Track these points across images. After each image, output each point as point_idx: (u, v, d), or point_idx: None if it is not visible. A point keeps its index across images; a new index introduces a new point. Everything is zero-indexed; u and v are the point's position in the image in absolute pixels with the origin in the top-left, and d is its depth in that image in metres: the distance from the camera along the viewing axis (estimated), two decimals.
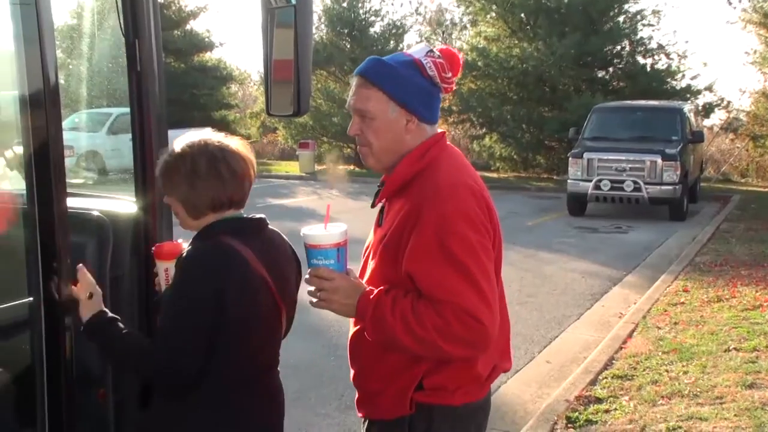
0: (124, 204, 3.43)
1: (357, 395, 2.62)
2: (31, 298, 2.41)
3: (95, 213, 3.14)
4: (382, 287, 2.38)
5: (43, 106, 2.28)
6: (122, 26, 2.96)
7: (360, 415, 2.62)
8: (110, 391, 3.11)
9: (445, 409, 2.46)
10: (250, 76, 38.43)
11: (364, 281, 2.47)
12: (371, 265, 2.49)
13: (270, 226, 2.68)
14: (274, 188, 21.82)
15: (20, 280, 2.42)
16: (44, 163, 2.31)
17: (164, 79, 3.14)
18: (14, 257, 2.45)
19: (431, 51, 2.44)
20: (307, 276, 2.41)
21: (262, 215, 2.66)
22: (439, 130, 2.55)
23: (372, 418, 2.58)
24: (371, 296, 2.36)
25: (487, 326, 2.26)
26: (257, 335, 2.55)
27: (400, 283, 2.36)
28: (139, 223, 3.15)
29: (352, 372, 2.63)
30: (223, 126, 29.92)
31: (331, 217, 2.41)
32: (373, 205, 2.61)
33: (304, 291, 2.49)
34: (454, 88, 2.51)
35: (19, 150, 3.01)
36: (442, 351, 2.31)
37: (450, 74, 2.43)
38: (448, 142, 2.56)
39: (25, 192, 2.39)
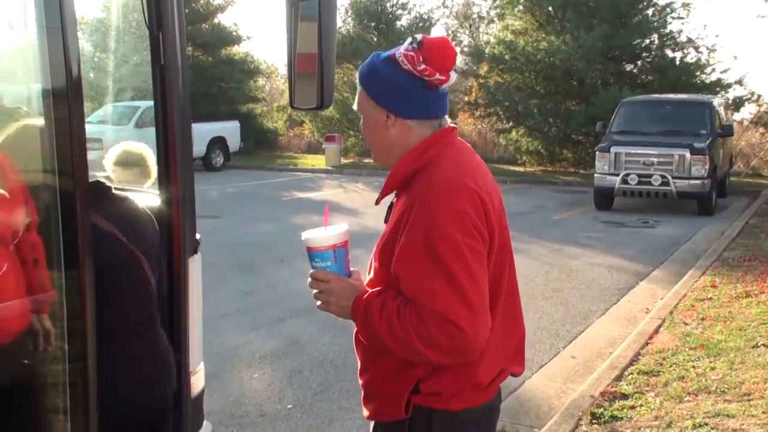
0: (146, 196, 3.45)
1: (362, 394, 2.57)
2: (54, 292, 2.42)
3: None
4: (376, 289, 2.34)
5: (65, 99, 2.29)
6: (146, 19, 2.97)
7: (365, 415, 2.56)
8: None
9: (443, 414, 2.37)
10: (277, 69, 38.56)
11: (367, 282, 2.44)
12: (374, 265, 2.43)
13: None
14: (300, 181, 21.89)
15: (42, 275, 2.43)
16: (66, 156, 2.31)
17: (188, 73, 3.14)
18: (39, 251, 2.46)
19: (411, 42, 2.33)
20: (309, 279, 2.40)
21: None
22: (451, 125, 2.45)
23: (374, 419, 2.54)
24: (363, 298, 2.33)
25: (467, 333, 2.15)
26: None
27: (394, 284, 2.29)
28: (163, 216, 3.16)
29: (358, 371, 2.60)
30: (250, 119, 30.15)
31: (335, 216, 2.41)
32: (376, 203, 2.57)
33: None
34: (450, 79, 2.34)
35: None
36: (424, 357, 2.23)
37: (424, 66, 2.29)
38: (458, 138, 2.46)
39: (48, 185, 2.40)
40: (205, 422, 3.49)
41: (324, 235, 2.37)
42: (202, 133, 22.95)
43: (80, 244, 2.30)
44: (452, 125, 2.45)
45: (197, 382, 3.38)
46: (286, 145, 33.91)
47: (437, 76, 2.30)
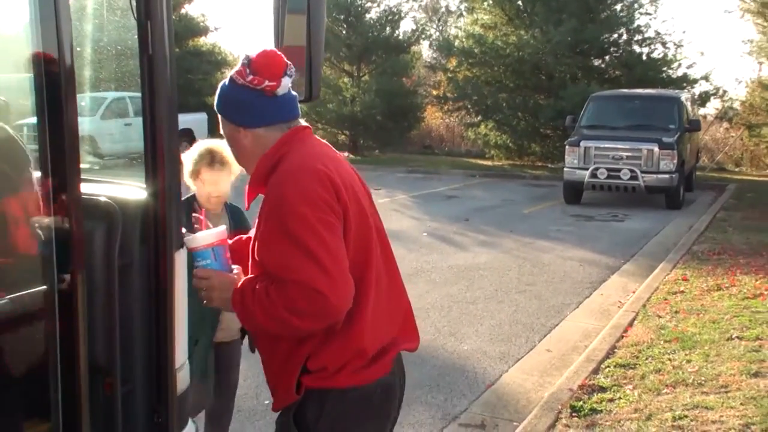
0: (131, 189, 3.37)
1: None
2: (45, 287, 2.35)
3: (102, 198, 3.08)
4: (250, 276, 2.55)
5: (59, 89, 2.22)
6: (133, 8, 2.90)
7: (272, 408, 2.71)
8: (118, 382, 3.06)
9: (334, 394, 2.52)
10: None
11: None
12: (250, 261, 2.62)
13: None
14: None
15: (35, 268, 2.37)
16: (59, 148, 2.25)
17: (175, 63, 3.08)
18: (28, 245, 2.39)
19: (243, 60, 2.55)
20: (194, 279, 2.63)
21: None
22: (303, 125, 2.65)
23: (276, 410, 2.68)
24: (239, 287, 2.52)
25: (327, 295, 2.32)
26: None
27: (265, 271, 2.49)
28: (149, 209, 3.09)
29: None
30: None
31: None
32: (246, 208, 2.86)
33: None
34: (280, 85, 2.53)
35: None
36: (297, 329, 2.41)
37: (252, 76, 2.50)
38: (312, 136, 2.66)
39: (39, 178, 2.33)
40: (190, 421, 3.43)
41: (199, 235, 2.60)
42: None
43: (74, 240, 2.24)
44: (304, 125, 2.65)
45: (182, 378, 3.32)
46: None
47: (266, 83, 2.51)
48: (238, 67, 2.56)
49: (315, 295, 2.33)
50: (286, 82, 2.55)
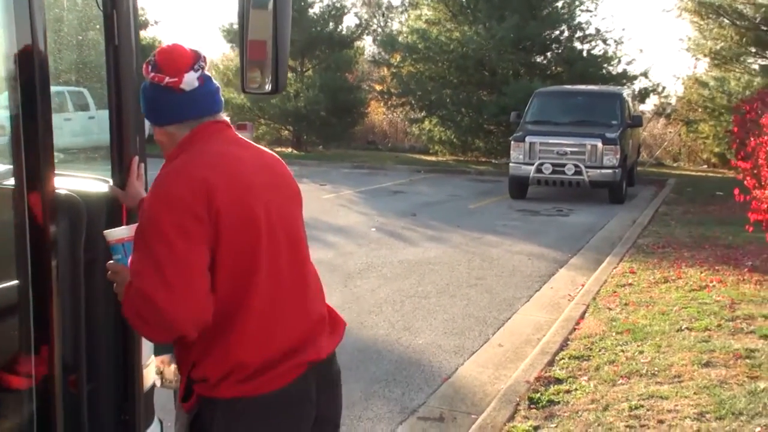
0: (94, 183, 3.30)
1: None
2: (17, 282, 2.29)
3: (64, 191, 3.01)
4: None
5: (33, 82, 2.16)
6: None
7: None
8: (84, 379, 3.00)
9: (223, 404, 2.44)
10: None
11: None
12: None
13: None
14: None
15: (8, 263, 2.30)
16: (33, 141, 2.18)
17: (141, 54, 3.02)
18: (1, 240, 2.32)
19: (150, 58, 2.51)
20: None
21: None
22: (215, 120, 2.56)
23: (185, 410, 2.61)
24: (127, 285, 2.44)
25: (163, 309, 2.25)
26: None
27: None
28: (115, 202, 3.02)
29: None
30: None
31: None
32: None
33: None
34: (183, 80, 2.45)
35: None
36: (149, 336, 2.46)
37: (153, 73, 2.46)
38: (224, 131, 2.57)
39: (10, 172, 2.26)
40: (155, 418, 3.38)
41: (112, 230, 2.60)
42: (106, 120, 22.28)
43: (47, 235, 2.18)
44: (216, 120, 2.56)
45: (148, 375, 3.26)
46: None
47: (167, 79, 2.44)
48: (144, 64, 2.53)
49: (152, 306, 2.27)
50: (191, 77, 2.46)
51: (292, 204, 2.63)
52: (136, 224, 2.51)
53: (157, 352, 3.66)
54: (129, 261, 2.43)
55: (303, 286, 2.60)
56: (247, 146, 2.61)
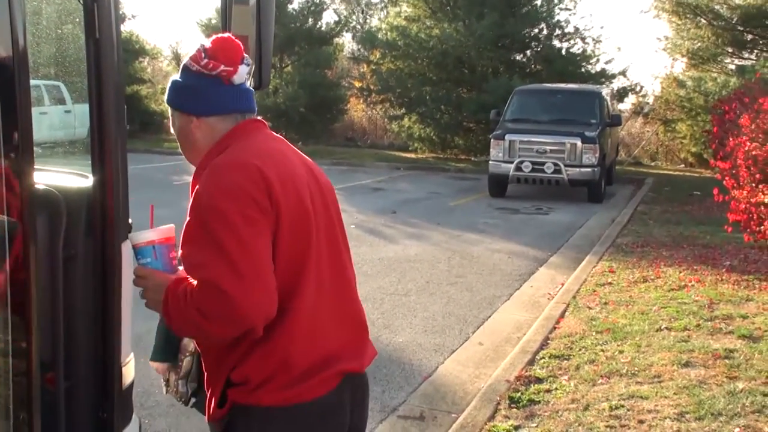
0: (73, 177, 3.24)
1: None
2: None
3: (42, 186, 2.95)
4: (177, 278, 2.34)
5: (12, 75, 2.10)
6: None
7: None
8: (61, 376, 2.94)
9: (257, 411, 2.32)
10: (161, 51, 37.57)
11: None
12: None
13: None
14: (190, 165, 21.36)
15: None
16: (11, 135, 2.13)
17: (121, 47, 2.97)
18: None
19: (199, 46, 2.43)
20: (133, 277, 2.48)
21: None
22: (257, 118, 2.53)
23: (208, 420, 2.49)
24: (168, 288, 2.32)
25: (235, 299, 2.14)
26: None
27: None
28: (94, 198, 2.97)
29: None
30: (135, 101, 29.35)
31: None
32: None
33: None
34: (237, 72, 2.40)
35: None
36: (209, 333, 2.26)
37: (207, 60, 2.38)
38: (264, 130, 2.52)
39: None
40: (134, 416, 3.32)
41: (141, 232, 2.45)
42: (84, 114, 22.09)
43: (27, 231, 2.12)
44: (257, 118, 2.52)
45: (127, 373, 3.21)
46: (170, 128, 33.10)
47: (222, 67, 2.38)
48: (192, 52, 2.43)
49: (222, 296, 2.15)
50: (243, 71, 2.42)
51: (332, 205, 2.54)
52: (166, 226, 2.44)
53: (154, 358, 3.57)
54: (181, 258, 2.30)
55: (344, 289, 2.50)
56: (287, 144, 2.55)
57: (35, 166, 3.19)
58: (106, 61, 2.83)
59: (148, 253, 2.41)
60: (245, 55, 2.44)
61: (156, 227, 2.46)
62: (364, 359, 2.54)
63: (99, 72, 2.83)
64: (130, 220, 3.16)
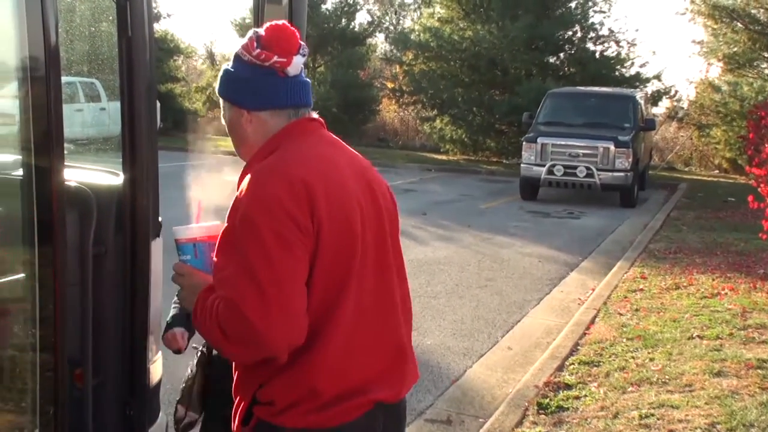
0: (105, 175, 3.26)
1: None
2: (23, 275, 2.24)
3: (74, 184, 2.96)
4: (209, 285, 2.23)
5: (43, 71, 2.11)
6: None
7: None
8: (90, 373, 2.96)
9: (282, 430, 2.21)
10: (196, 50, 37.85)
11: None
12: None
13: None
14: (225, 164, 21.46)
15: (15, 255, 2.25)
16: (43, 132, 2.13)
17: (155, 45, 2.98)
18: (8, 232, 2.27)
19: (252, 34, 2.28)
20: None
21: None
22: (314, 116, 2.37)
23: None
24: (200, 293, 2.22)
25: (254, 323, 2.02)
26: None
27: None
28: (124, 195, 2.98)
29: None
30: (170, 99, 29.54)
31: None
32: None
33: None
34: (292, 63, 2.24)
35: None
36: (230, 353, 2.18)
37: (259, 50, 2.22)
38: (320, 129, 2.37)
39: (21, 162, 2.21)
40: (161, 414, 3.34)
41: (184, 228, 2.35)
42: (118, 111, 22.26)
43: (56, 227, 2.13)
44: (312, 117, 2.36)
45: (155, 372, 3.23)
46: (206, 127, 33.30)
47: (275, 58, 2.22)
48: (244, 41, 2.26)
49: (243, 320, 2.03)
50: (299, 61, 2.25)
51: (386, 219, 2.37)
52: (212, 224, 2.35)
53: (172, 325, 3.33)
54: (213, 265, 2.19)
55: (387, 313, 2.34)
56: (343, 149, 2.37)
57: (68, 164, 3.22)
58: (138, 59, 2.85)
59: (188, 251, 2.34)
60: (302, 43, 2.28)
61: (201, 223, 2.39)
62: (402, 388, 2.40)
63: (130, 70, 2.85)
64: (160, 218, 3.18)
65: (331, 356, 2.18)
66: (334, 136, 2.40)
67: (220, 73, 2.35)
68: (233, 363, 2.33)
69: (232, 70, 2.30)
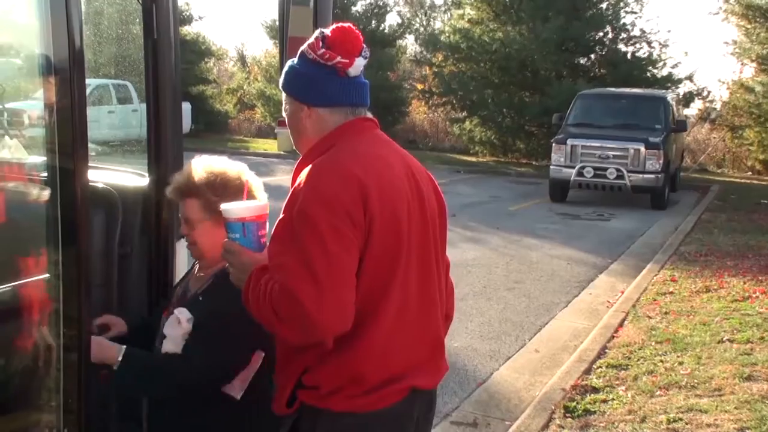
0: (131, 176, 3.28)
1: None
2: (49, 275, 2.26)
3: (100, 185, 2.99)
4: (261, 266, 2.33)
5: (68, 74, 2.13)
6: None
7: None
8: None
9: (325, 414, 2.33)
10: (227, 52, 38.08)
11: None
12: None
13: None
14: (253, 166, 21.19)
15: (39, 256, 2.27)
16: (67, 134, 2.15)
17: (180, 48, 3.00)
18: (33, 232, 2.30)
19: (317, 34, 2.37)
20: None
21: None
22: (369, 116, 2.48)
23: (273, 409, 2.50)
24: (252, 273, 2.32)
25: (310, 311, 2.12)
26: None
27: None
28: (150, 197, 3.00)
29: None
30: (201, 101, 29.73)
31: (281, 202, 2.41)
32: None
33: None
34: (354, 64, 2.35)
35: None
36: (281, 334, 2.29)
37: (323, 50, 2.32)
38: (375, 130, 2.48)
39: (45, 164, 2.24)
40: None
41: (233, 207, 2.41)
42: None
43: (80, 228, 2.15)
44: (367, 117, 2.47)
45: None
46: (236, 128, 33.51)
47: (339, 59, 2.32)
48: (310, 40, 2.37)
49: (298, 305, 2.13)
50: (360, 63, 2.37)
51: (432, 218, 2.49)
52: (259, 203, 2.44)
53: None
54: (269, 251, 2.29)
55: (428, 308, 2.46)
56: (395, 149, 2.49)
57: (96, 165, 3.25)
58: (164, 61, 2.87)
59: (237, 229, 2.39)
60: (364, 46, 2.39)
61: (249, 202, 2.44)
62: (437, 377, 2.54)
63: (156, 72, 2.87)
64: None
65: (376, 344, 2.31)
66: (386, 136, 2.52)
67: (285, 68, 2.46)
68: (277, 346, 2.45)
69: (297, 66, 2.41)
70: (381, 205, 2.26)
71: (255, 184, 2.89)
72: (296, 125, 2.45)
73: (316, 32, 2.37)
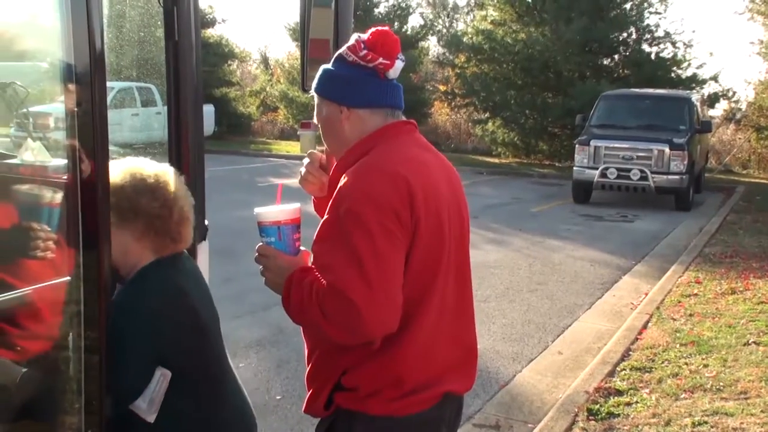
0: None
1: None
2: (69, 277, 2.27)
3: None
4: (305, 267, 2.34)
5: (88, 74, 2.13)
6: None
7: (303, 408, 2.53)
8: None
9: (361, 417, 2.33)
10: (250, 54, 38.22)
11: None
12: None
13: None
14: (275, 168, 21.66)
15: (60, 258, 2.28)
16: (88, 135, 2.16)
17: (201, 50, 2.99)
18: (54, 235, 2.30)
19: (356, 36, 2.40)
20: (255, 254, 2.44)
21: None
22: (408, 120, 2.49)
23: (307, 413, 2.50)
24: (292, 276, 2.31)
25: (361, 310, 2.11)
26: None
27: None
28: None
29: None
30: (224, 103, 29.85)
31: (306, 204, 2.45)
32: (328, 193, 2.53)
33: None
34: (394, 65, 2.37)
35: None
36: (327, 335, 2.23)
37: (365, 51, 2.34)
38: (414, 133, 2.48)
39: (66, 165, 2.24)
40: None
41: (267, 210, 2.39)
42: None
43: (101, 230, 2.15)
44: (406, 120, 2.48)
45: None
46: (259, 130, 33.63)
47: (380, 60, 2.34)
48: (350, 43, 2.39)
49: (348, 304, 2.12)
50: (399, 65, 2.39)
51: (464, 223, 2.51)
52: (293, 206, 2.42)
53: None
54: (314, 252, 2.27)
55: (463, 311, 2.48)
56: (434, 153, 2.50)
57: None
58: (185, 64, 2.87)
59: (272, 233, 2.38)
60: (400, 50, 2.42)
61: (283, 206, 2.42)
62: (469, 382, 2.55)
63: (177, 74, 2.87)
64: (206, 222, 3.20)
65: (416, 346, 2.31)
66: (425, 139, 2.52)
67: (319, 73, 2.46)
68: (311, 348, 2.44)
69: (334, 69, 2.42)
70: (426, 207, 2.27)
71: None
72: (333, 128, 2.44)
73: (354, 36, 2.39)
